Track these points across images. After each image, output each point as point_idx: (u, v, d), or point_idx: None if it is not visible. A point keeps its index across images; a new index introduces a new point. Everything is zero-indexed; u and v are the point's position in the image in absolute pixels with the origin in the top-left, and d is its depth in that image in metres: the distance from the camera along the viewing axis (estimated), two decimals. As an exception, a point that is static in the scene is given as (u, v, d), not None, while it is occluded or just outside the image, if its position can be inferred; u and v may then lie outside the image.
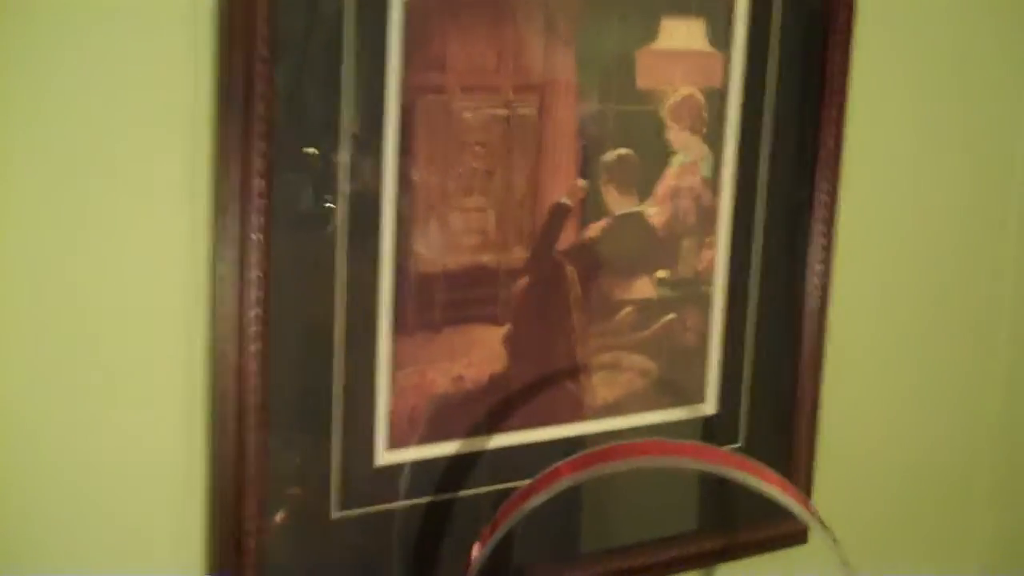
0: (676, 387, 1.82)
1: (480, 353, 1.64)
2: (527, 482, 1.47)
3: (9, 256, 1.33)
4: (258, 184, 1.43)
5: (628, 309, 1.75)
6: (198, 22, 1.39)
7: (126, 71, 1.36)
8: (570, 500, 1.69)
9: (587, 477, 1.45)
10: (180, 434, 1.46)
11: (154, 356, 1.43)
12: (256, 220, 1.43)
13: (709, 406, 1.85)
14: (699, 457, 1.58)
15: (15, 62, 1.30)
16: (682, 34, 1.72)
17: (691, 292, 1.80)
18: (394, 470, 1.59)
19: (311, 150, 1.47)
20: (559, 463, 1.46)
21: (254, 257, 1.43)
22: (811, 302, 1.90)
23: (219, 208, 1.42)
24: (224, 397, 1.46)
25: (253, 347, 1.46)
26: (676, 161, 1.74)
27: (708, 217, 1.79)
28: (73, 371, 1.39)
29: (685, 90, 1.73)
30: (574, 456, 1.47)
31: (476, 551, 1.48)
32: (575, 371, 1.72)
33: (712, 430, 1.86)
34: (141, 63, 1.36)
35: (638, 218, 1.73)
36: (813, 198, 1.87)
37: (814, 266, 1.89)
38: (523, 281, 1.65)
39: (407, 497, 1.61)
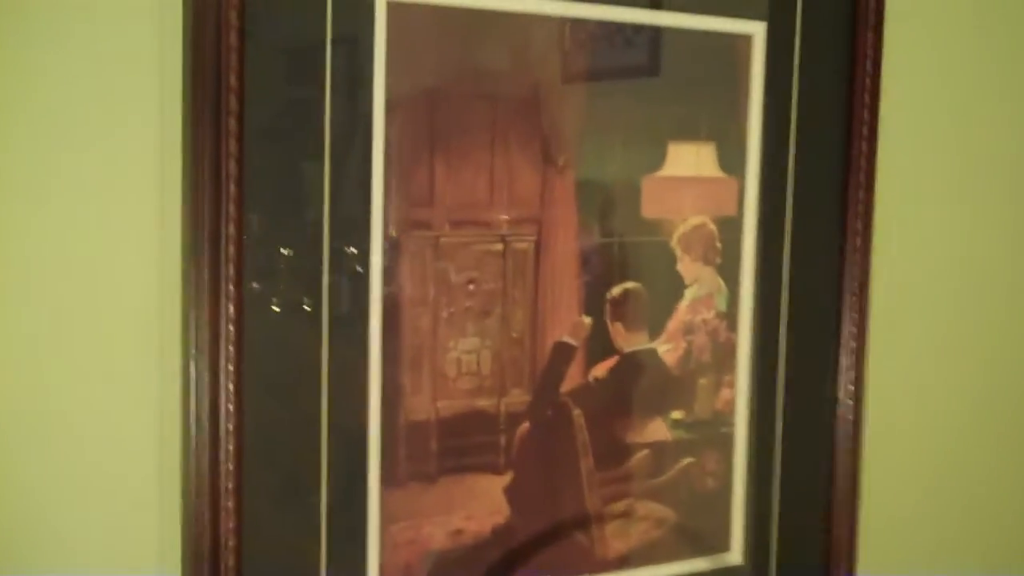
0: (697, 536, 1.70)
1: (480, 504, 1.53)
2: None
3: None
4: (233, 317, 1.34)
5: (641, 453, 1.64)
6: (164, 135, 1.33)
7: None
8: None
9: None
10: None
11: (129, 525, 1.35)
12: (227, 360, 1.34)
13: (735, 555, 1.73)
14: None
15: None
16: (691, 159, 1.63)
17: (710, 433, 1.69)
18: (387, 635, 1.48)
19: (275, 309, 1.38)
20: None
21: (228, 404, 1.34)
22: (842, 439, 1.77)
23: (190, 352, 1.34)
24: (198, 559, 1.35)
25: (231, 503, 1.36)
26: (689, 295, 1.64)
27: (726, 353, 1.68)
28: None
29: (696, 219, 1.64)
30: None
31: None
32: (585, 521, 1.61)
33: (739, 582, 1.73)
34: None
35: (649, 356, 1.63)
36: (840, 329, 1.75)
37: (844, 401, 1.76)
38: (525, 426, 1.55)
39: (401, 664, 1.49)
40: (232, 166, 1.33)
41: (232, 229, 1.33)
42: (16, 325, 1.31)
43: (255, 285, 1.36)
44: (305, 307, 1.40)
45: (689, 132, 1.62)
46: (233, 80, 1.32)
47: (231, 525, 1.36)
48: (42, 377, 1.32)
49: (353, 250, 1.42)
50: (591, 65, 1.55)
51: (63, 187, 1.31)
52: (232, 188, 1.33)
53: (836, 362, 1.76)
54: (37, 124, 1.30)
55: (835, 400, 1.76)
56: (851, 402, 1.77)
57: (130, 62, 1.33)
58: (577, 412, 1.58)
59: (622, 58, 1.57)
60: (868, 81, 1.70)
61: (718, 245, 1.65)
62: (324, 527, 1.43)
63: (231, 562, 1.36)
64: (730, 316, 1.68)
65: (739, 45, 1.63)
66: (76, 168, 1.31)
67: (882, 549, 1.85)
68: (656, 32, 1.58)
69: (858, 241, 1.73)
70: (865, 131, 1.71)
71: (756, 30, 1.63)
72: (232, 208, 1.33)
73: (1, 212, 1.29)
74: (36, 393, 1.32)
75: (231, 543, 1.36)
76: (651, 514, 1.65)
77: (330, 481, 1.42)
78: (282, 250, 1.39)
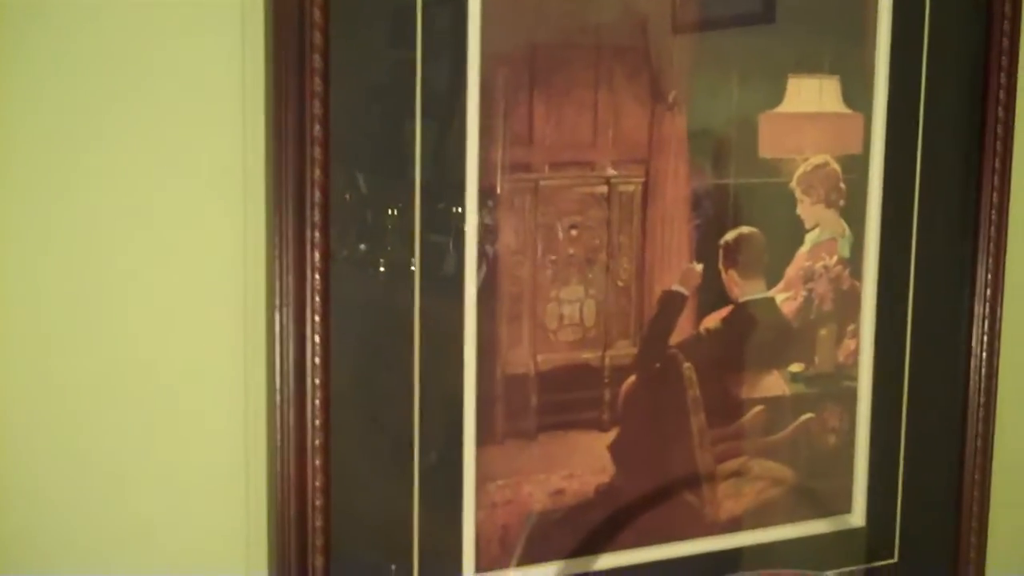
0: (817, 496, 1.61)
1: (583, 463, 1.46)
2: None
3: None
4: (319, 265, 1.27)
5: (757, 409, 1.55)
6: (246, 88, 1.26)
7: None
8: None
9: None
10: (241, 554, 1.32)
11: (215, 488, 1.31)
12: (313, 312, 1.28)
13: (857, 517, 1.64)
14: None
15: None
16: (813, 94, 1.51)
17: (831, 388, 1.59)
18: (484, 599, 1.42)
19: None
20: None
21: (316, 356, 1.28)
22: (975, 392, 1.67)
23: (272, 304, 1.28)
24: (283, 521, 1.30)
25: (317, 461, 1.30)
26: (809, 240, 1.54)
27: (849, 302, 1.57)
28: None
29: (818, 158, 1.53)
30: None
31: None
32: (695, 481, 1.53)
33: (862, 544, 1.64)
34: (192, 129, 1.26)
35: (766, 305, 1.53)
36: (975, 275, 1.63)
37: (977, 352, 1.66)
38: (632, 380, 1.47)
39: (500, 629, 1.43)
40: (317, 106, 1.25)
41: (318, 173, 1.26)
42: (102, 278, 1.25)
43: (342, 235, 1.29)
44: (398, 254, 1.32)
45: (811, 65, 1.51)
46: (317, 16, 1.24)
47: (318, 484, 1.30)
48: (127, 331, 1.27)
49: (447, 197, 1.34)
50: (704, 8, 1.44)
51: (145, 143, 1.25)
52: (316, 129, 1.25)
53: (970, 311, 1.66)
54: (118, 87, 1.24)
55: (968, 352, 1.66)
56: (985, 354, 1.66)
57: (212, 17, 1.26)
58: (687, 365, 1.49)
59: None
60: (1008, 5, 1.56)
61: (842, 186, 1.55)
62: (416, 486, 1.36)
63: (319, 523, 1.30)
64: (854, 262, 1.57)
65: (867, -28, 1.51)
66: (160, 122, 1.25)
67: (1016, 515, 1.74)
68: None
69: (996, 180, 1.61)
70: (1004, 61, 1.59)
71: (886, -42, 1.51)
72: (318, 152, 1.26)
73: (88, 168, 1.23)
74: (120, 348, 1.27)
75: (318, 503, 1.31)
76: (767, 473, 1.56)
77: (423, 438, 1.36)
78: (369, 200, 1.31)
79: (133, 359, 1.28)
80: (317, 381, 1.29)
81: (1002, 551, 1.74)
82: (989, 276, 1.63)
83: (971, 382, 1.66)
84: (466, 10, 1.32)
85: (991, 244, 1.62)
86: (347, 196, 1.29)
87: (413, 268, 1.33)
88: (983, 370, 1.66)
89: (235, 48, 1.26)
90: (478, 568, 1.41)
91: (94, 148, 1.23)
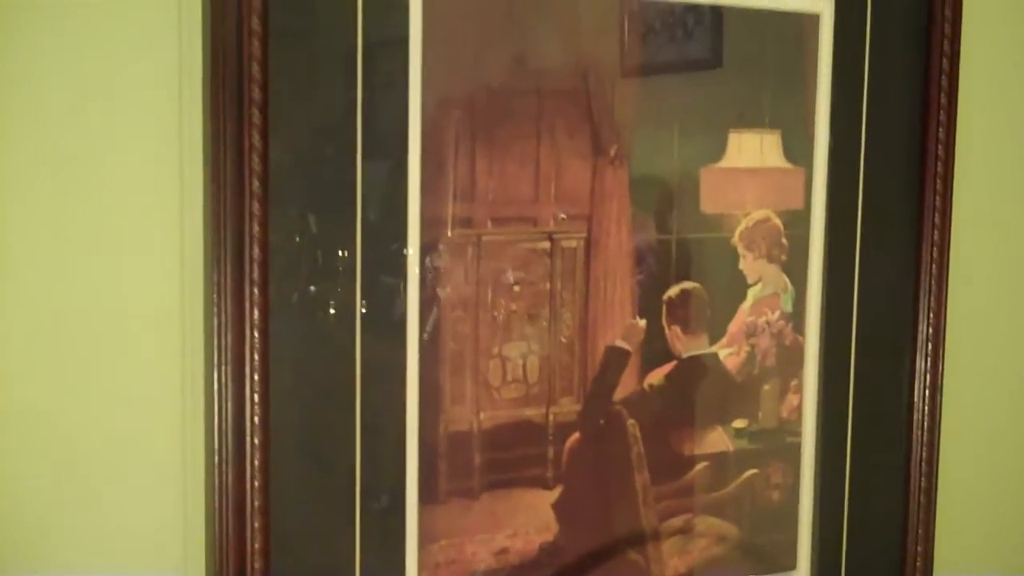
0: (762, 552, 1.60)
1: (527, 521, 1.44)
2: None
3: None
4: (258, 323, 1.26)
5: (701, 465, 1.53)
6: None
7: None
8: None
9: None
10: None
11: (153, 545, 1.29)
12: (252, 370, 1.26)
13: (802, 573, 1.63)
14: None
15: None
16: (754, 149, 1.52)
17: (775, 443, 1.58)
18: (427, 661, 1.39)
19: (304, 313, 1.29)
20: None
21: (255, 415, 1.26)
22: (917, 446, 1.66)
23: (211, 363, 1.26)
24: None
25: (257, 522, 1.27)
26: (752, 295, 1.54)
27: (792, 357, 1.57)
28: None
29: (759, 213, 1.53)
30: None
31: None
32: (640, 539, 1.51)
33: (806, 600, 1.62)
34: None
35: (709, 361, 1.52)
36: (916, 330, 1.63)
37: (919, 406, 1.65)
38: (575, 437, 1.45)
39: None
40: (256, 162, 1.24)
41: (256, 228, 1.24)
42: (37, 334, 1.23)
43: (281, 288, 1.27)
44: (337, 311, 1.30)
45: (752, 120, 1.51)
46: (256, 70, 1.23)
47: (257, 545, 1.28)
48: (64, 387, 1.25)
49: (389, 254, 1.32)
50: (646, 57, 1.45)
51: (79, 190, 1.24)
52: (255, 184, 1.24)
53: (911, 365, 1.65)
54: (52, 127, 1.22)
55: (910, 407, 1.66)
56: (927, 408, 1.66)
57: (149, 59, 1.25)
58: (631, 422, 1.48)
59: (681, 49, 1.46)
60: (945, 63, 1.59)
61: (784, 241, 1.55)
62: (358, 547, 1.34)
63: (258, 586, 1.27)
64: (797, 317, 1.57)
65: (805, 25, 1.52)
66: (93, 170, 1.24)
67: (959, 569, 1.73)
68: (717, 16, 1.47)
69: (935, 235, 1.61)
70: (942, 117, 1.60)
71: (824, 9, 1.52)
72: (256, 206, 1.24)
73: (20, 220, 1.21)
74: (57, 404, 1.25)
75: (258, 564, 1.28)
76: (712, 530, 1.55)
77: (364, 498, 1.34)
78: (314, 252, 1.30)
79: (70, 422, 1.25)
80: (256, 440, 1.27)
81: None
82: (930, 331, 1.64)
83: (914, 436, 1.66)
84: (407, 58, 1.31)
85: (932, 299, 1.63)
86: (296, 238, 1.28)
87: (354, 317, 1.31)
88: (925, 424, 1.66)
89: (172, 105, 1.25)
90: (421, 631, 1.39)
91: (30, 202, 1.21)
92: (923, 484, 1.66)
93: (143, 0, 1.24)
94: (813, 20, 1.52)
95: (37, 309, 1.23)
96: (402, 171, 1.33)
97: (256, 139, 1.23)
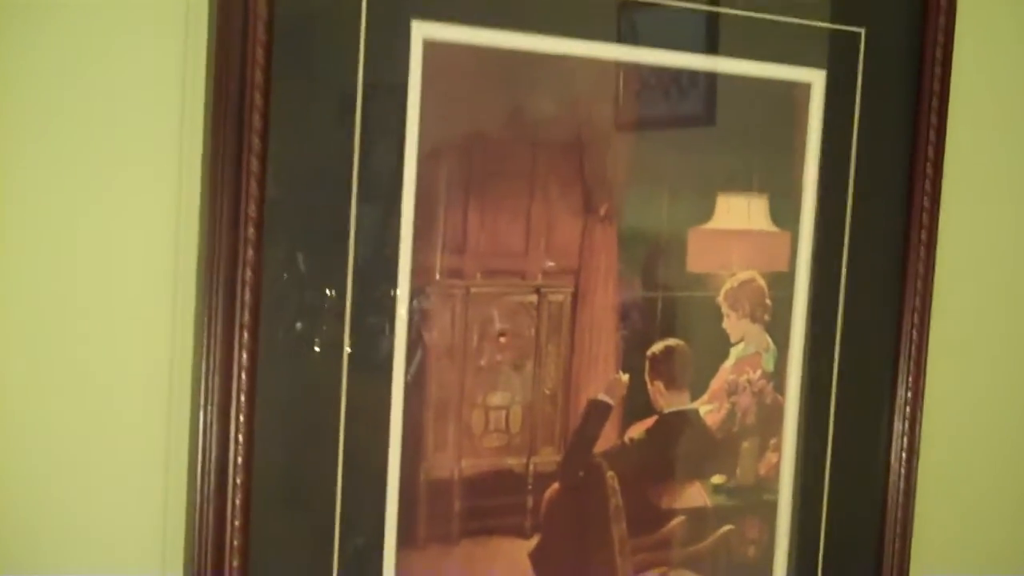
0: (735, 608, 1.61)
1: (504, 570, 1.46)
2: None
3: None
4: (246, 366, 1.28)
5: (678, 519, 1.55)
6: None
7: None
8: None
9: None
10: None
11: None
12: (238, 411, 1.28)
13: (775, 629, 1.63)
14: None
15: None
16: (741, 212, 1.54)
17: (752, 500, 1.60)
18: None
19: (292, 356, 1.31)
20: None
21: (239, 456, 1.28)
22: (893, 508, 1.68)
23: (197, 403, 1.28)
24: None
25: (235, 562, 1.29)
26: (734, 353, 1.56)
27: (772, 416, 1.59)
28: None
29: (745, 274, 1.55)
30: None
31: None
32: (615, 590, 1.52)
33: (779, 658, 1.63)
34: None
35: (690, 417, 1.54)
36: (895, 392, 1.65)
37: (896, 468, 1.67)
38: (555, 488, 1.47)
39: None
40: (252, 207, 1.26)
41: (250, 275, 1.26)
42: (23, 366, 1.25)
43: (274, 329, 1.29)
44: (324, 354, 1.32)
45: (740, 183, 1.54)
46: (257, 120, 1.25)
47: (236, 585, 1.29)
48: (43, 422, 1.26)
49: (378, 298, 1.34)
50: (640, 113, 1.48)
51: (75, 220, 1.25)
52: (251, 230, 1.26)
53: (889, 428, 1.67)
54: (48, 157, 1.24)
55: (887, 469, 1.67)
56: (904, 470, 1.68)
57: (151, 89, 1.27)
58: (611, 474, 1.50)
59: (675, 107, 1.49)
60: (932, 134, 1.61)
61: (767, 302, 1.57)
62: (336, 591, 1.35)
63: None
64: (778, 377, 1.59)
65: (797, 94, 1.55)
66: (88, 201, 1.26)
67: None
68: (711, 79, 1.50)
69: (917, 302, 1.64)
70: (928, 186, 1.62)
71: (815, 78, 1.55)
72: (250, 252, 1.26)
73: (13, 251, 1.23)
74: (33, 439, 1.26)
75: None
76: (686, 584, 1.57)
77: (343, 540, 1.35)
78: (303, 291, 1.32)
79: (49, 459, 1.26)
80: (238, 480, 1.28)
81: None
82: (909, 394, 1.66)
83: (889, 498, 1.67)
84: (406, 104, 1.34)
85: (911, 363, 1.65)
86: (285, 275, 1.30)
87: (340, 363, 1.33)
88: (901, 485, 1.67)
89: (172, 141, 1.27)
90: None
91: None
92: (897, 546, 1.67)
93: (146, 43, 1.26)
94: (804, 89, 1.55)
95: (21, 339, 1.24)
96: (395, 216, 1.35)
97: (254, 187, 1.26)
